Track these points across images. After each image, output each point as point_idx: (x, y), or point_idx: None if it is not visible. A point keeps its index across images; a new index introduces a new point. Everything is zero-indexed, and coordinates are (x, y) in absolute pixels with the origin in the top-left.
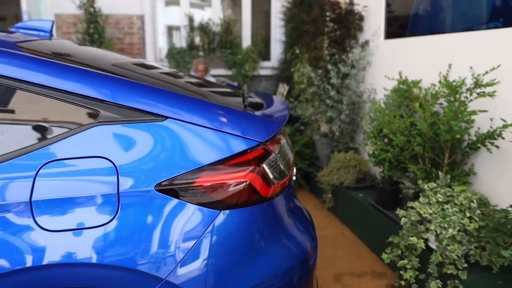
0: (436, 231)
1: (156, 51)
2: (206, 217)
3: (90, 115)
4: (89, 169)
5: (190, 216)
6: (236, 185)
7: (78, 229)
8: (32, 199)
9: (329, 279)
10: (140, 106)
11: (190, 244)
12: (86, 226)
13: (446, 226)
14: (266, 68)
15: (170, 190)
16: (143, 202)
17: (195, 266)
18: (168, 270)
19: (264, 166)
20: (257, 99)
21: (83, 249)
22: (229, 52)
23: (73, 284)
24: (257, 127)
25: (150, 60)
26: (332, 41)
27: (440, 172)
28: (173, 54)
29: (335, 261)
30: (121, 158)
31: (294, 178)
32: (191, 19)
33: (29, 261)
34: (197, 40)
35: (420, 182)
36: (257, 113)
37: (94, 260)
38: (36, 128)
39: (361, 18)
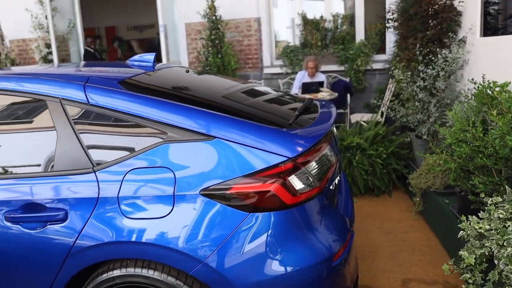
0: (491, 248)
1: (271, 51)
2: (237, 217)
3: (161, 135)
4: (157, 176)
5: (225, 215)
6: (262, 193)
7: (146, 218)
8: (119, 195)
9: (396, 284)
10: (198, 129)
11: (223, 237)
12: (151, 217)
13: (505, 244)
14: (380, 61)
15: (211, 194)
16: (190, 202)
17: (226, 255)
18: (206, 255)
19: (290, 178)
20: (311, 114)
21: (149, 232)
22: (341, 47)
23: (138, 256)
24: (288, 144)
25: (266, 59)
26: (426, 40)
27: (507, 187)
28: (287, 53)
29: (409, 266)
30: (179, 169)
31: (337, 180)
32: (303, 18)
33: (113, 237)
34: (310, 37)
35: (483, 195)
36: (298, 130)
37: (154, 241)
38: (127, 145)
39: (458, 13)
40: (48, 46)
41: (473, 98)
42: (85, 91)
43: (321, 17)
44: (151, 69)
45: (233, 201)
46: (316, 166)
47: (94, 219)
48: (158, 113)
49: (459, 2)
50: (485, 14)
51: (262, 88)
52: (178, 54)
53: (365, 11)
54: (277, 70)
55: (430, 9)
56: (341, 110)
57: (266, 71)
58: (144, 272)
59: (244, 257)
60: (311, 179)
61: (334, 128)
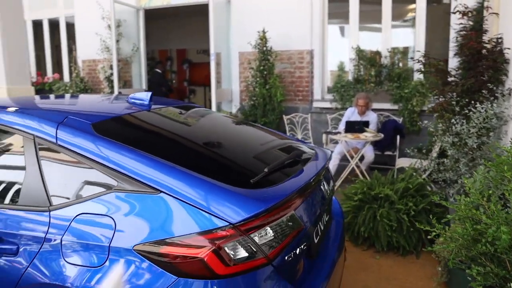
0: None
1: (323, 84)
2: (165, 280)
3: (112, 183)
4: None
5: (154, 276)
6: (192, 259)
7: (82, 266)
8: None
9: None
10: (146, 181)
11: None
12: (85, 265)
13: None
14: None
15: (143, 251)
16: (123, 257)
17: None
18: None
19: (226, 246)
20: (296, 166)
21: (82, 280)
22: (396, 85)
23: None
24: (233, 207)
25: (317, 92)
26: (466, 89)
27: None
28: (338, 87)
29: None
30: (119, 221)
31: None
32: (358, 52)
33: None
34: (364, 72)
35: None
36: (257, 190)
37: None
38: (81, 188)
39: (505, 60)
40: (112, 67)
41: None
42: (56, 131)
43: (377, 51)
44: (147, 108)
45: (163, 263)
46: (269, 232)
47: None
48: (112, 159)
49: (505, 49)
50: None
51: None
52: (230, 83)
53: (427, 47)
54: (327, 104)
55: (472, 54)
56: (389, 153)
57: (315, 104)
58: None
59: None
60: (254, 248)
61: (325, 183)
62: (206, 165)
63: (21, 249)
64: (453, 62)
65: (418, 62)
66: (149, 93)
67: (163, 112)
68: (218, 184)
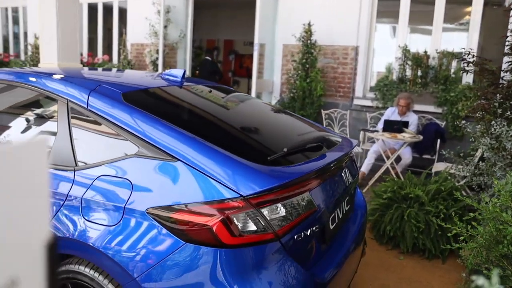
0: None
1: (365, 82)
2: (173, 243)
3: (133, 148)
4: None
5: (163, 239)
6: (200, 226)
7: (98, 224)
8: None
9: None
10: (165, 148)
11: (157, 260)
12: (101, 223)
13: None
14: None
15: (155, 215)
16: (136, 218)
17: (155, 278)
18: (138, 273)
19: (234, 217)
20: (318, 151)
21: (97, 237)
22: (441, 88)
23: (88, 258)
24: (246, 180)
25: (358, 89)
26: (510, 92)
27: None
28: (381, 86)
29: None
30: (137, 184)
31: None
32: (405, 51)
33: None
34: (409, 72)
35: None
36: (272, 167)
37: (99, 247)
38: (103, 151)
39: None
40: (158, 52)
41: None
42: (88, 97)
43: (425, 52)
44: (178, 84)
45: (173, 227)
46: (281, 209)
47: (60, 213)
48: (136, 127)
49: None
50: None
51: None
52: (272, 74)
53: (480, 52)
54: (368, 102)
55: None
56: (428, 156)
57: (356, 102)
58: (91, 274)
59: (171, 284)
60: (262, 222)
61: (348, 171)
62: (226, 140)
63: None
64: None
65: (462, 60)
66: (182, 70)
67: (193, 89)
68: (235, 157)
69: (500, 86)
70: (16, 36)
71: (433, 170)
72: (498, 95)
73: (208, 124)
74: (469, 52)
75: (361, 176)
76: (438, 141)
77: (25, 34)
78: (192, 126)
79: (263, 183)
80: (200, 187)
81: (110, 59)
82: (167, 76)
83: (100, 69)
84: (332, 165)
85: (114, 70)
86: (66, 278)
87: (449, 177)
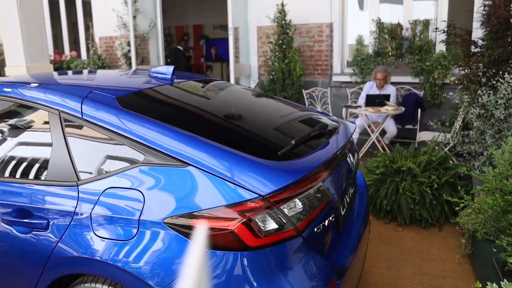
0: None
1: (342, 58)
2: None
3: (138, 156)
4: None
5: (183, 248)
6: (222, 231)
7: (112, 240)
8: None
9: None
10: (173, 154)
11: (180, 269)
12: (115, 238)
13: None
14: None
15: (173, 224)
16: (153, 230)
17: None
18: (161, 286)
19: (257, 218)
20: (321, 139)
21: (112, 253)
22: (417, 58)
23: (103, 275)
24: (263, 179)
25: (336, 66)
26: (493, 60)
27: None
28: (358, 61)
29: None
30: (148, 194)
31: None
32: (378, 24)
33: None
34: (384, 45)
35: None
36: (286, 162)
37: (115, 263)
38: (107, 162)
39: None
40: (129, 44)
41: None
42: (81, 105)
43: (398, 23)
44: (169, 83)
45: (193, 235)
46: (298, 204)
47: (69, 232)
48: (139, 133)
49: None
50: None
51: (281, 104)
52: (248, 57)
53: (449, 19)
54: (347, 78)
55: (500, 23)
56: (410, 126)
57: (335, 78)
58: None
59: None
60: (283, 220)
61: (350, 155)
62: (232, 138)
63: (51, 224)
64: (477, 34)
65: (443, 32)
66: (171, 67)
67: (185, 86)
68: (246, 156)
69: (480, 55)
70: None
71: (418, 140)
72: (480, 64)
73: (211, 123)
74: (450, 24)
75: None
76: (419, 110)
77: None
78: (195, 127)
79: (280, 181)
80: (216, 190)
81: (79, 55)
82: (155, 74)
83: (70, 72)
84: (339, 153)
85: (86, 71)
86: None
87: (436, 147)
